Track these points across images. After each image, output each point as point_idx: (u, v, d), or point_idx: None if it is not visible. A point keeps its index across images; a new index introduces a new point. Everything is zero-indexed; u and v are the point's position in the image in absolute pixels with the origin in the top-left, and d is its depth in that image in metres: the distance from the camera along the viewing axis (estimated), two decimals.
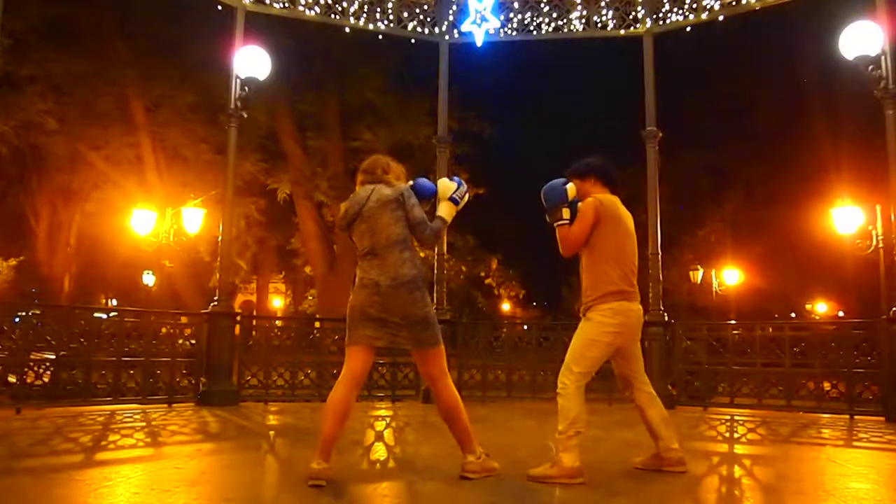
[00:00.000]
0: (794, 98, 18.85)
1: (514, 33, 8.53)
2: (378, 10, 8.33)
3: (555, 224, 3.68)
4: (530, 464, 3.68)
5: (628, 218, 3.72)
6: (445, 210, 3.58)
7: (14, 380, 6.04)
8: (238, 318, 7.56)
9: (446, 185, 3.63)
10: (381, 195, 3.47)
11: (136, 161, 15.18)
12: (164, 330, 7.13)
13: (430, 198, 3.61)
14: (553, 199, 3.68)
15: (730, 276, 20.27)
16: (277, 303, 33.87)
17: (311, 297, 24.68)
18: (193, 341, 7.29)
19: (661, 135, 7.92)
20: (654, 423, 3.66)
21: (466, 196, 3.65)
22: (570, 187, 3.71)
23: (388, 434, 5.47)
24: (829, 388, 6.94)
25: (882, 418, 6.22)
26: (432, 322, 3.44)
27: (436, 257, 8.40)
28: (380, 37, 8.52)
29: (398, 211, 3.44)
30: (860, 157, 14.47)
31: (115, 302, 26.52)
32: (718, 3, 7.68)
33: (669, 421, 3.73)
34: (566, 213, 3.66)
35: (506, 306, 32.59)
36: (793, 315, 22.90)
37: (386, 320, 3.38)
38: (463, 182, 3.67)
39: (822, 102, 17.42)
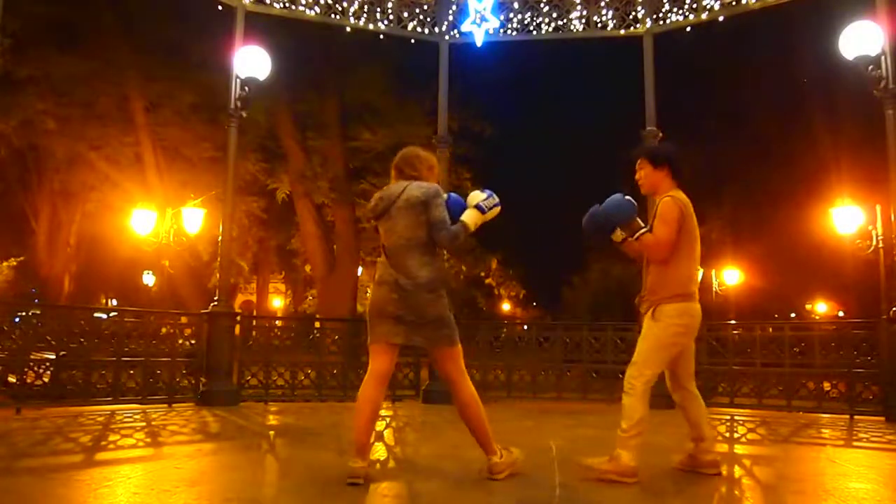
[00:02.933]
0: (794, 98, 18.88)
1: (514, 33, 8.52)
2: (378, 9, 8.33)
3: (636, 237, 3.63)
4: (531, 462, 3.68)
5: (694, 216, 3.70)
6: (469, 216, 3.53)
7: (14, 380, 6.04)
8: (238, 318, 7.55)
9: (475, 195, 3.61)
10: (410, 196, 3.46)
11: (136, 161, 15.19)
12: (164, 330, 7.13)
13: (459, 214, 3.57)
14: (625, 214, 3.61)
15: (730, 276, 20.28)
16: (277, 303, 33.91)
17: (311, 297, 24.70)
18: (193, 341, 7.29)
19: (661, 135, 7.91)
20: (697, 423, 3.66)
21: (496, 208, 3.58)
22: (641, 168, 3.70)
23: (388, 434, 5.46)
24: (829, 388, 6.94)
25: (882, 418, 6.22)
26: (449, 322, 3.46)
27: None
28: (380, 37, 8.51)
29: (423, 215, 3.43)
30: (860, 157, 14.46)
31: (115, 302, 26.54)
32: (718, 3, 7.68)
33: (711, 424, 3.74)
34: (640, 222, 3.63)
35: (506, 306, 32.60)
36: (793, 315, 22.90)
37: (403, 317, 3.41)
38: (494, 194, 3.60)
39: (822, 102, 17.43)
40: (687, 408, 3.71)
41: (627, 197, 3.67)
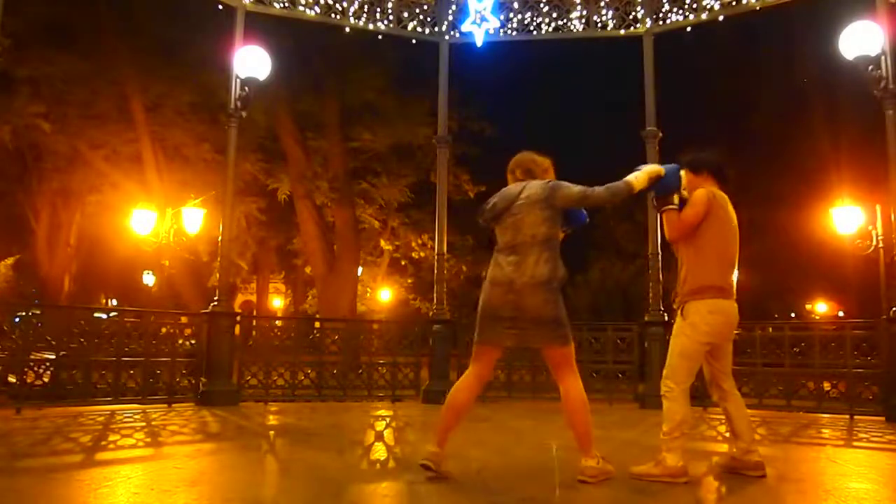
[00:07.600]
0: (794, 98, 18.86)
1: (514, 33, 8.53)
2: (378, 10, 8.34)
3: (662, 209, 3.67)
4: (531, 462, 3.68)
5: (734, 216, 3.73)
6: (632, 175, 3.53)
7: (14, 380, 6.04)
8: (238, 318, 7.56)
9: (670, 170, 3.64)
10: (532, 193, 3.49)
11: (136, 161, 15.18)
12: (164, 330, 7.13)
13: (670, 188, 3.60)
14: (670, 184, 3.63)
15: None
16: (277, 303, 33.87)
17: (311, 297, 24.68)
18: (193, 341, 7.30)
19: (661, 135, 7.91)
20: (737, 424, 3.68)
21: (654, 168, 3.60)
22: (684, 175, 3.70)
23: (388, 434, 5.46)
24: (829, 388, 6.94)
25: (882, 418, 6.23)
26: (563, 322, 3.44)
27: (436, 257, 8.40)
28: (380, 37, 8.52)
29: (546, 211, 3.45)
30: (860, 157, 14.45)
31: (115, 302, 26.53)
32: (718, 3, 7.69)
33: (752, 425, 3.76)
34: (676, 198, 3.66)
35: None
36: (793, 315, 22.90)
37: (517, 319, 3.39)
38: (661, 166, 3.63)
39: (822, 102, 17.43)
40: (727, 409, 3.74)
41: (682, 171, 3.69)
